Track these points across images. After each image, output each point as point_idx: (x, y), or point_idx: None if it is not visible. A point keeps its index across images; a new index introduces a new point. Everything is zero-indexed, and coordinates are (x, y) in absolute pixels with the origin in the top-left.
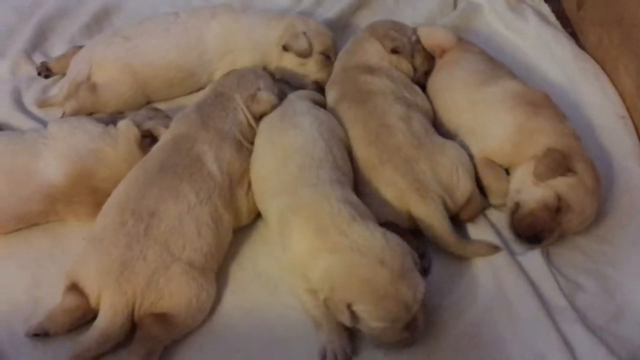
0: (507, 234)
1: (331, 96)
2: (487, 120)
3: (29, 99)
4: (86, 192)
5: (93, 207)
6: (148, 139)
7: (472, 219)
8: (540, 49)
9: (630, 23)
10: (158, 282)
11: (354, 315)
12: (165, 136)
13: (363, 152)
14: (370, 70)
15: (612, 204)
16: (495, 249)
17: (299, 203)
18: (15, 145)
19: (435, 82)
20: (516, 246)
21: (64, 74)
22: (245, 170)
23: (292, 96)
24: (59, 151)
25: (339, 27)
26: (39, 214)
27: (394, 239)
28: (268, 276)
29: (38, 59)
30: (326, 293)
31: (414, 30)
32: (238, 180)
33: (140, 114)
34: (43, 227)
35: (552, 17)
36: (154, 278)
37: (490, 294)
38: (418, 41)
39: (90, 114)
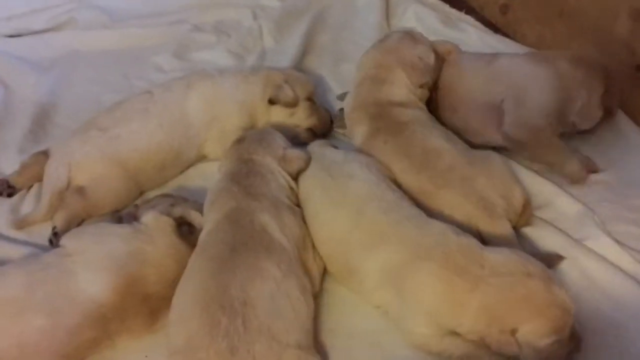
0: (574, 233)
1: (361, 132)
2: None
3: (1, 225)
4: (139, 302)
5: (148, 317)
6: (185, 226)
7: (529, 223)
8: None
9: None
10: None
11: (519, 343)
12: (213, 216)
13: (413, 182)
14: (401, 103)
15: None
16: (560, 257)
17: (418, 249)
18: (37, 274)
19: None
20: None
21: (29, 187)
22: (305, 234)
23: (316, 148)
24: (95, 265)
25: None
26: (91, 343)
27: (516, 250)
28: (363, 336)
29: None
30: (482, 330)
31: (431, 45)
32: (302, 245)
33: (158, 202)
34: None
35: None
36: None
37: None
38: (437, 57)
39: (81, 222)
